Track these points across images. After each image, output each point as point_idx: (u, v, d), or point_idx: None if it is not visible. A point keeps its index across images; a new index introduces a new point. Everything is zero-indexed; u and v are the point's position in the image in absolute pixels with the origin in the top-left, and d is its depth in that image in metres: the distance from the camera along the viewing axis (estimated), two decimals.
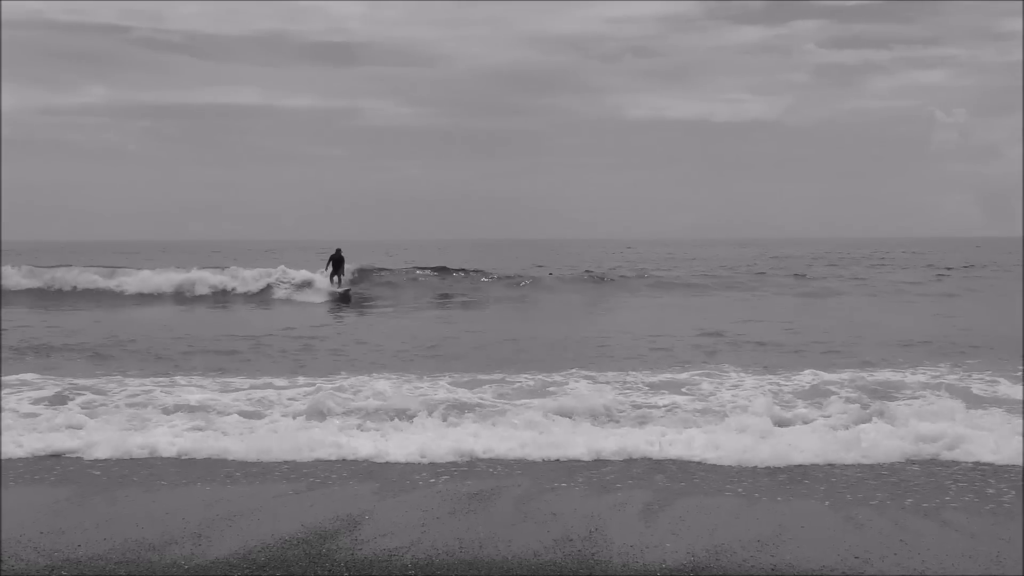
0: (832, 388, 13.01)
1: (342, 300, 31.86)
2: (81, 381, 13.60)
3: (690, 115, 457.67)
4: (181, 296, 33.04)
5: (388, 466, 9.20)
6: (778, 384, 13.53)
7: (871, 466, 9.18)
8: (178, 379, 14.13)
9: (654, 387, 13.29)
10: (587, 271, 43.38)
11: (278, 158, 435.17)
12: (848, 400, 12.10)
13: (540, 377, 13.98)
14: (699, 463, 9.28)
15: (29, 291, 32.90)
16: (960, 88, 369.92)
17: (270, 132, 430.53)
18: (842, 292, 34.92)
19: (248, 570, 6.33)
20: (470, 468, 9.10)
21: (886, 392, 12.81)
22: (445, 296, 33.11)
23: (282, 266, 36.08)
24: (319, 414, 11.29)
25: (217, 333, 21.14)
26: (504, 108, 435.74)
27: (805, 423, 10.89)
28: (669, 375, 14.27)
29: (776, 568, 6.38)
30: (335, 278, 33.61)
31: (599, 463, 9.31)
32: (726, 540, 6.93)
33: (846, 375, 14.14)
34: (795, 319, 24.77)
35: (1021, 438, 9.75)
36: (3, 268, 34.29)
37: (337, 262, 33.79)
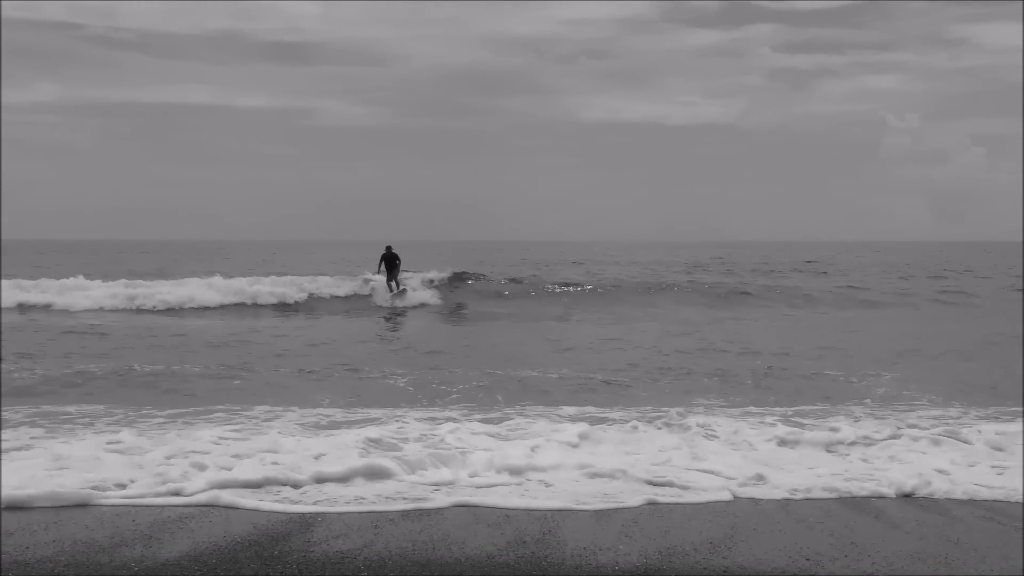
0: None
1: (397, 300, 30.63)
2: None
3: (645, 117, 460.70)
4: (252, 308, 30.38)
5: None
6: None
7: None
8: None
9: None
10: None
11: (231, 157, 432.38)
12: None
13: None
14: None
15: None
16: (912, 93, 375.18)
17: (223, 131, 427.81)
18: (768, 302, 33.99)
19: (199, 572, 6.27)
20: None
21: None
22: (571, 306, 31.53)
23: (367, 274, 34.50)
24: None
25: (393, 349, 20.04)
26: (459, 109, 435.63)
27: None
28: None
29: (728, 570, 6.42)
30: (392, 283, 31.72)
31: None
32: (678, 542, 6.96)
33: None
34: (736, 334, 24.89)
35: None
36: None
37: (390, 261, 31.65)
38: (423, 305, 31.14)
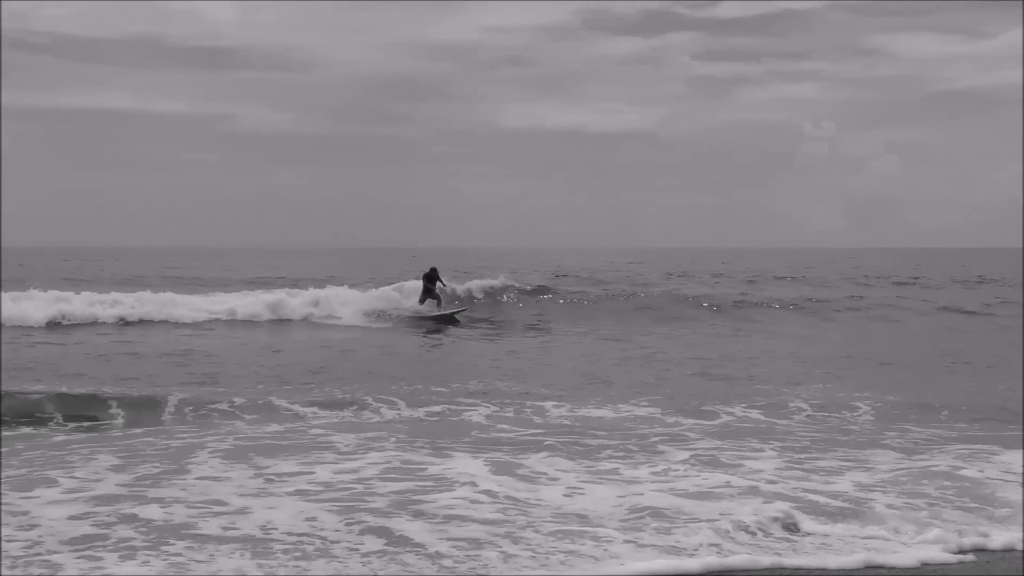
0: None
1: (446, 321, 28.29)
2: None
3: (566, 125, 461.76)
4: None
5: None
6: None
7: None
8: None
9: None
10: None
11: (150, 163, 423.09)
12: None
13: None
14: None
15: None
16: (828, 102, 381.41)
17: (142, 137, 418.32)
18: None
19: None
20: None
21: None
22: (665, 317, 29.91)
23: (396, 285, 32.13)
24: None
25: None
26: (380, 116, 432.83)
27: None
28: None
29: None
30: (435, 300, 29.36)
31: None
32: None
33: None
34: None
35: None
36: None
37: (431, 279, 29.44)
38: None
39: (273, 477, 9.82)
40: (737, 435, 12.18)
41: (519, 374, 17.77)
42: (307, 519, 8.30)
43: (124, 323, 26.87)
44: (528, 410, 13.84)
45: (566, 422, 13.12)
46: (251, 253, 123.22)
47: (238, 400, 14.03)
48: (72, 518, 8.26)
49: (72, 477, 9.73)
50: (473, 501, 8.90)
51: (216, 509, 8.58)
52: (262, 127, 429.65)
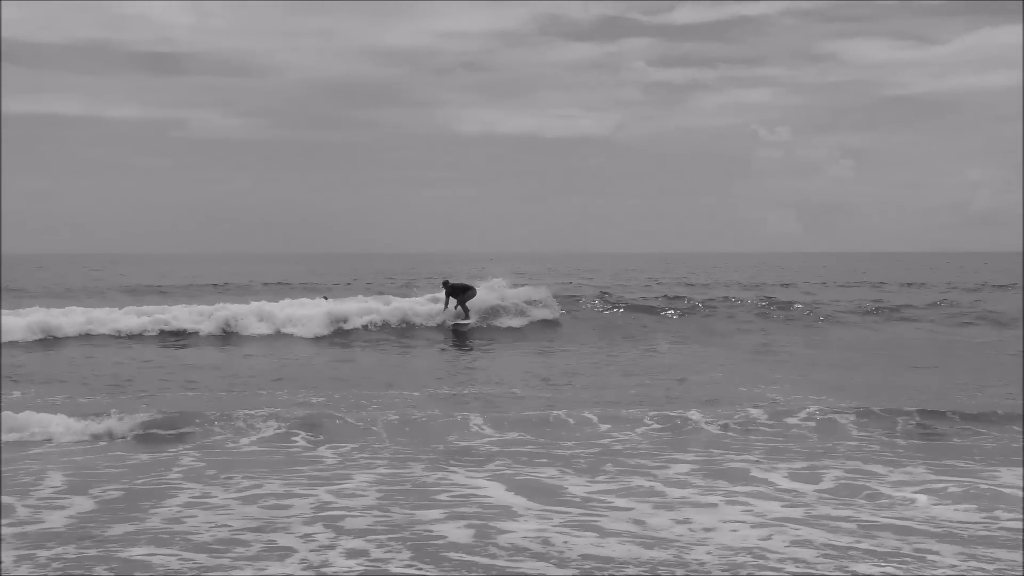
0: None
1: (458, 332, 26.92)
2: None
3: (521, 130, 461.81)
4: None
5: None
6: None
7: None
8: None
9: None
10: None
11: (101, 169, 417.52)
12: None
13: None
14: None
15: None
16: (783, 107, 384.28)
17: (93, 142, 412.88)
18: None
19: None
20: None
21: None
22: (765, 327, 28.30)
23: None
24: None
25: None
26: (335, 121, 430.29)
27: None
28: None
29: None
30: (459, 306, 27.60)
31: None
32: None
33: None
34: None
35: None
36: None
37: (464, 290, 27.85)
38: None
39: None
40: None
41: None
42: None
43: None
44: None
45: None
46: (203, 259, 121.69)
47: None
48: None
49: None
50: None
51: None
52: (215, 132, 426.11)
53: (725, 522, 8.83)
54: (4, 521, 8.73)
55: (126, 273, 68.20)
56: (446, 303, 27.60)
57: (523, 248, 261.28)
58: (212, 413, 13.50)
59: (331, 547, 8.04)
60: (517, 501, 9.54)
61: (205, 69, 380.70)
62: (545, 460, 11.36)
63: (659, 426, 13.35)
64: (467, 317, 27.38)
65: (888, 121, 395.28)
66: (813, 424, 13.48)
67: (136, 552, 7.89)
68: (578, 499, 9.65)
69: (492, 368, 20.07)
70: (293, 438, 12.56)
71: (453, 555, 7.87)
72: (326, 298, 35.49)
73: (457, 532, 8.48)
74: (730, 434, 12.99)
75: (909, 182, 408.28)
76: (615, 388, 16.78)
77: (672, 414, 13.91)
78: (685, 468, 11.00)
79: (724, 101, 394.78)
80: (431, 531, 8.50)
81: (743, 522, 8.84)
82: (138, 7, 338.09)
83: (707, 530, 8.59)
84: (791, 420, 13.65)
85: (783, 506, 9.39)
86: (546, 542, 8.22)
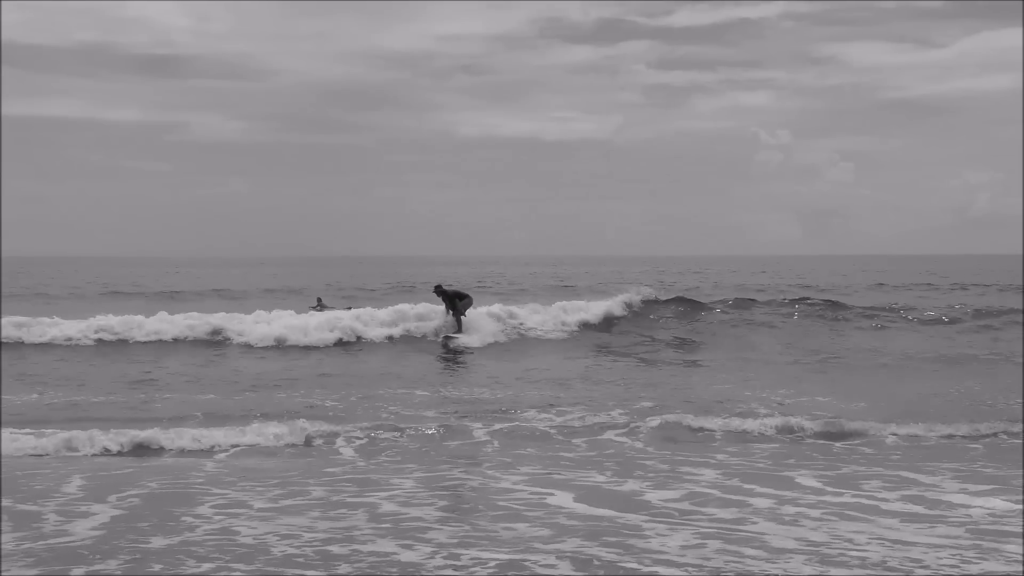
0: None
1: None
2: None
3: (520, 133, 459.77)
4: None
5: None
6: None
7: None
8: None
9: None
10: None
11: (101, 172, 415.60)
12: None
13: None
14: None
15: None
16: (782, 110, 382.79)
17: (93, 146, 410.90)
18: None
19: None
20: None
21: None
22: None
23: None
24: None
25: None
26: (334, 124, 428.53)
27: None
28: None
29: None
30: (455, 316, 24.44)
31: None
32: None
33: None
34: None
35: None
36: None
37: (461, 297, 24.86)
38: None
39: None
40: None
41: None
42: None
43: None
44: None
45: None
46: (202, 263, 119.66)
47: None
48: None
49: None
50: None
51: None
52: (215, 136, 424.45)
53: None
54: None
55: (150, 275, 66.13)
56: (447, 309, 24.45)
57: (521, 252, 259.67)
58: None
59: None
60: None
61: (205, 72, 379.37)
62: None
63: None
64: (460, 329, 24.08)
65: (887, 124, 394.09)
66: None
67: None
68: None
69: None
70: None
71: None
72: (319, 300, 33.38)
73: None
74: None
75: (908, 185, 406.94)
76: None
77: None
78: None
79: (723, 104, 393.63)
80: None
81: None
82: (137, 10, 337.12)
83: None
84: None
85: None
86: None
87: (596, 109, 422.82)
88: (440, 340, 23.90)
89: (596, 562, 7.48)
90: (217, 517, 8.69)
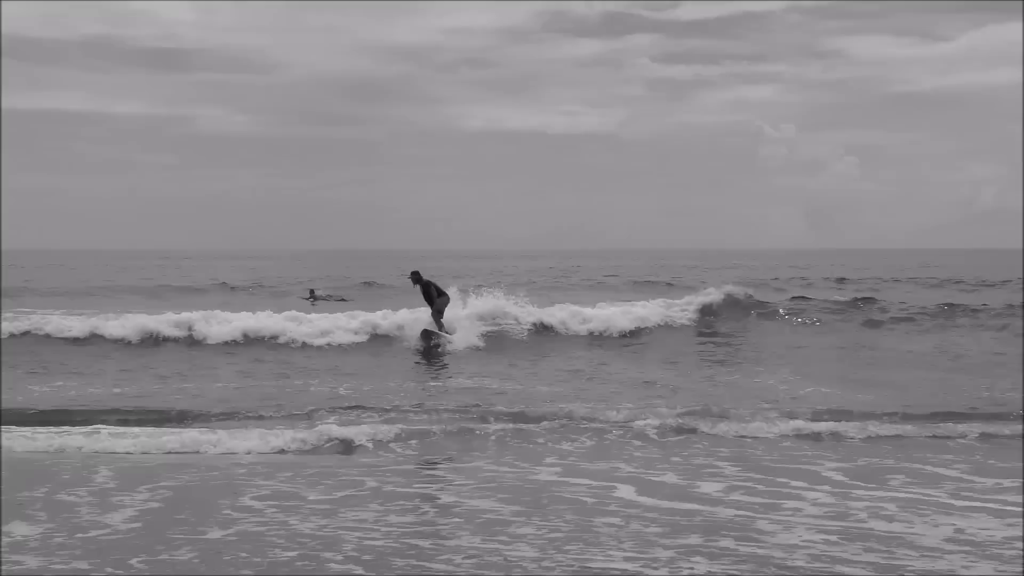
0: None
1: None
2: None
3: (526, 127, 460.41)
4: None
5: None
6: None
7: None
8: None
9: None
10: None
11: (107, 166, 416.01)
12: None
13: None
14: None
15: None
16: (787, 104, 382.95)
17: (99, 139, 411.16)
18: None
19: None
20: None
21: None
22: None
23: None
24: None
25: None
26: (340, 117, 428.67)
27: None
28: None
29: None
30: (433, 315, 21.61)
31: None
32: None
33: None
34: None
35: None
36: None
37: (440, 294, 21.77)
38: None
39: None
40: None
41: None
42: None
43: None
44: None
45: None
46: (208, 255, 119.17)
47: None
48: None
49: None
50: None
51: None
52: (222, 129, 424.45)
53: None
54: None
55: (156, 269, 65.78)
56: (428, 301, 21.44)
57: (527, 246, 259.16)
58: None
59: None
60: None
61: (211, 66, 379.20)
62: None
63: None
64: (442, 328, 21.22)
65: (893, 118, 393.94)
66: None
67: None
68: None
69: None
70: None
71: None
72: (312, 291, 32.87)
73: None
74: None
75: (914, 179, 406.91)
76: None
77: None
78: None
79: (729, 98, 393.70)
80: None
81: None
82: (143, 3, 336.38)
83: None
84: None
85: None
86: None
87: (601, 102, 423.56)
88: (417, 345, 21.12)
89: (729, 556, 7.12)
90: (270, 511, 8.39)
